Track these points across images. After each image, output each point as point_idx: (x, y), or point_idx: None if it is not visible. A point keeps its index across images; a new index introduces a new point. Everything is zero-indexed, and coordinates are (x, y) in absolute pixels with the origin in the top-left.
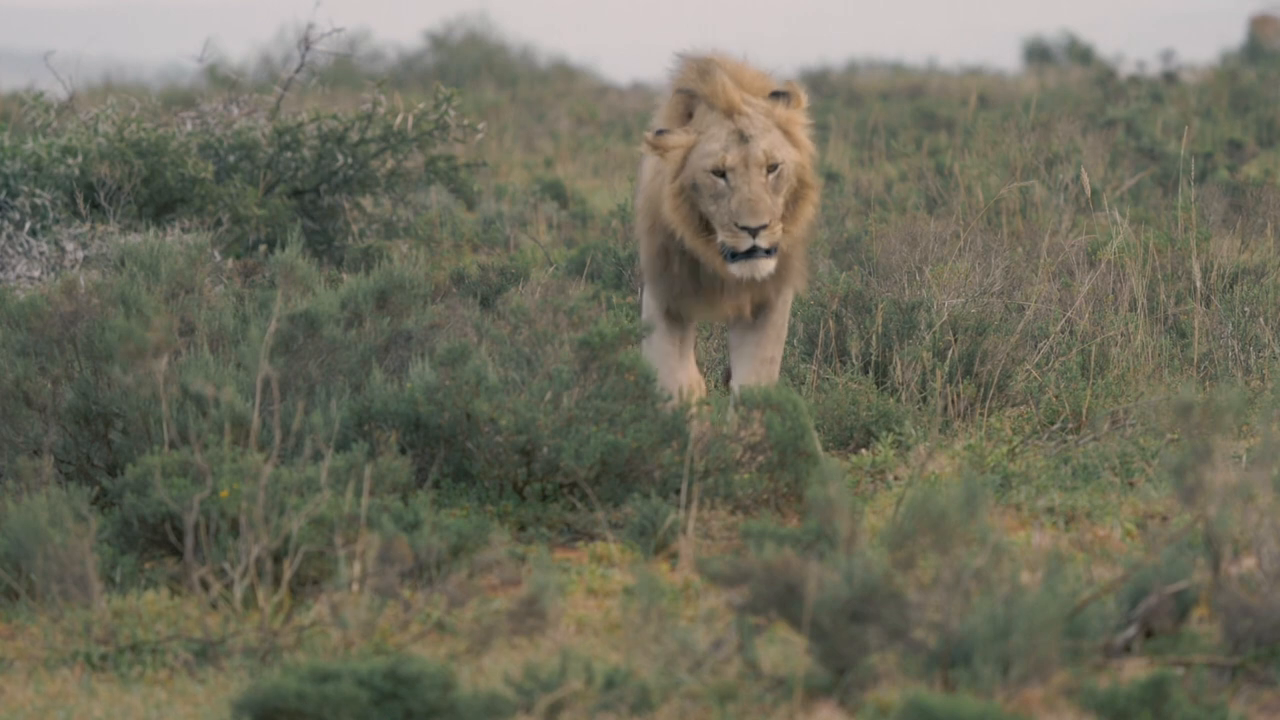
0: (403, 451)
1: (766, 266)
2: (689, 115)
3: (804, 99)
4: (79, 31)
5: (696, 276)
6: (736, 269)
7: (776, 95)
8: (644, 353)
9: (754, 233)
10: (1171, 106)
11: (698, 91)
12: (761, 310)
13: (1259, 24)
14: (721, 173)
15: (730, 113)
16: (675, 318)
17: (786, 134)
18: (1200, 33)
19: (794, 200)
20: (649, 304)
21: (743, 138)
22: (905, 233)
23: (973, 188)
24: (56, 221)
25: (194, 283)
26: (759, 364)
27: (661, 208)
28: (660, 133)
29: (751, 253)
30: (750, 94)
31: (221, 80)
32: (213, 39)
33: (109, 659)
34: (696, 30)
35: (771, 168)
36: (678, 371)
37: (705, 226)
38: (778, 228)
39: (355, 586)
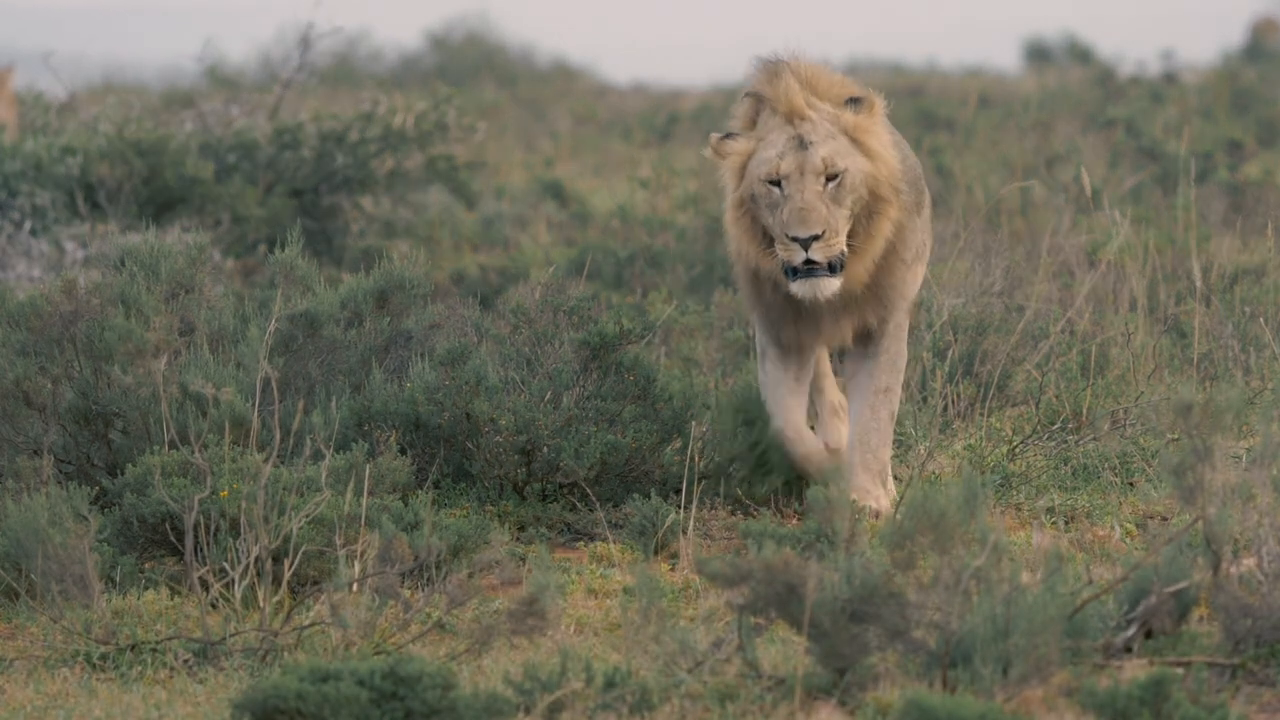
0: (403, 451)
1: (830, 286)
2: (755, 122)
3: (880, 106)
4: (79, 31)
5: (790, 300)
6: (797, 288)
7: (852, 102)
8: (759, 381)
9: (805, 245)
10: (1171, 106)
11: (764, 95)
12: (869, 338)
13: (1261, 27)
14: (777, 181)
15: (791, 117)
16: (788, 346)
17: (856, 142)
18: (1200, 33)
19: (867, 216)
20: (758, 331)
21: (802, 144)
22: None
23: (973, 188)
24: (56, 221)
25: (194, 283)
26: (873, 395)
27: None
28: (726, 137)
29: (811, 270)
30: (824, 100)
31: (221, 80)
32: (213, 39)
33: (109, 659)
34: (697, 30)
35: (832, 177)
36: (787, 400)
37: (769, 241)
38: (836, 241)
39: (355, 586)
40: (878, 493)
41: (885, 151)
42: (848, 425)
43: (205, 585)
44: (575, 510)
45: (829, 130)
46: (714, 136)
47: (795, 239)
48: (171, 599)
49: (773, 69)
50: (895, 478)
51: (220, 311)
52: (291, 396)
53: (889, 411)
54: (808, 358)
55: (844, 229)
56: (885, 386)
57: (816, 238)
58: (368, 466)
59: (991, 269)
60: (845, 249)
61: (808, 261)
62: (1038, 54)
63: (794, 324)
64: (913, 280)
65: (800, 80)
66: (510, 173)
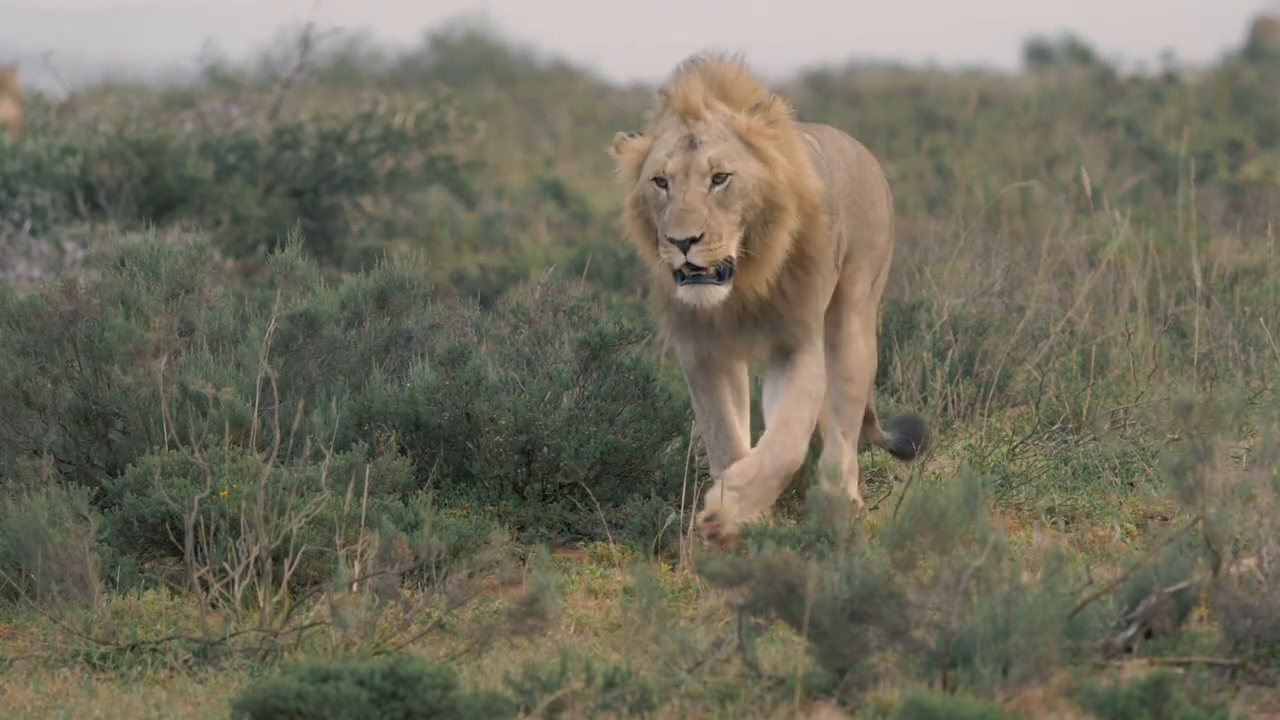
0: (403, 451)
1: (715, 294)
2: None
3: (781, 109)
4: (79, 31)
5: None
6: (683, 293)
7: (757, 108)
8: (695, 410)
9: (683, 247)
10: (1171, 106)
11: (667, 93)
12: (786, 356)
13: (1260, 26)
14: (664, 181)
15: (686, 116)
16: (705, 360)
17: (750, 146)
18: (1200, 33)
19: (763, 224)
20: (680, 351)
21: (691, 143)
22: (905, 233)
23: (973, 188)
24: (56, 221)
25: (194, 283)
26: (795, 394)
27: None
28: (628, 135)
29: (697, 276)
30: (735, 103)
31: (221, 80)
32: (213, 39)
33: (109, 659)
34: (696, 30)
35: (718, 179)
36: (737, 430)
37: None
38: (719, 246)
39: (355, 586)
40: (732, 517)
41: (782, 157)
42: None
43: (205, 585)
44: (575, 510)
45: (721, 131)
46: (618, 135)
47: (673, 240)
48: (171, 599)
49: (685, 66)
50: (895, 477)
51: (220, 311)
52: (291, 396)
53: (790, 446)
54: (738, 376)
55: (731, 235)
56: (786, 419)
57: (694, 240)
58: (368, 466)
59: (991, 269)
60: (733, 256)
61: (691, 266)
62: (1038, 54)
63: (717, 341)
64: (865, 289)
65: (709, 80)
66: (510, 173)
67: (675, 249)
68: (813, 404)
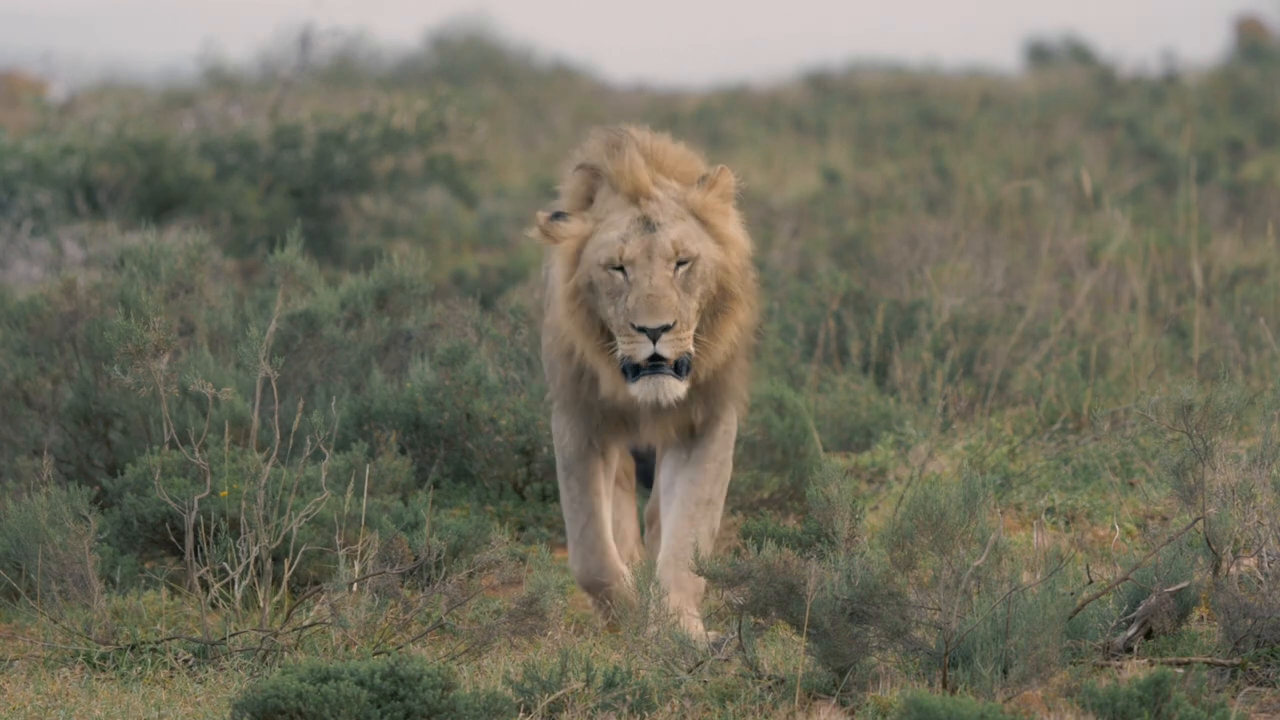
0: (403, 451)
1: (675, 389)
2: (591, 199)
3: (730, 184)
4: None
5: (618, 403)
6: (639, 389)
7: (704, 181)
8: (562, 497)
9: (654, 336)
10: (1172, 106)
11: (602, 170)
12: (692, 441)
13: (1246, 26)
14: (620, 267)
15: (636, 196)
16: (593, 448)
17: (705, 224)
18: (1201, 33)
19: (712, 314)
20: (565, 437)
21: (649, 225)
22: (905, 233)
23: (973, 188)
24: (56, 221)
25: (194, 283)
26: (694, 507)
27: (557, 313)
28: (556, 216)
29: (657, 368)
30: (671, 177)
31: (221, 80)
32: (213, 39)
33: (109, 659)
34: (697, 30)
35: (682, 262)
36: (603, 533)
37: (608, 336)
38: (687, 335)
39: (355, 586)
40: (691, 614)
41: (738, 236)
42: (631, 543)
43: (205, 585)
44: None
45: (677, 210)
46: (541, 215)
47: (643, 329)
48: (171, 599)
49: (613, 140)
50: (895, 477)
51: (220, 311)
52: (291, 396)
53: (709, 528)
54: (613, 462)
55: (694, 324)
56: (708, 498)
57: (667, 328)
58: (368, 466)
59: (992, 269)
60: (692, 350)
61: (654, 358)
62: (1038, 54)
63: (614, 427)
64: (747, 380)
65: (645, 155)
66: (510, 173)
67: (643, 339)
68: (713, 510)
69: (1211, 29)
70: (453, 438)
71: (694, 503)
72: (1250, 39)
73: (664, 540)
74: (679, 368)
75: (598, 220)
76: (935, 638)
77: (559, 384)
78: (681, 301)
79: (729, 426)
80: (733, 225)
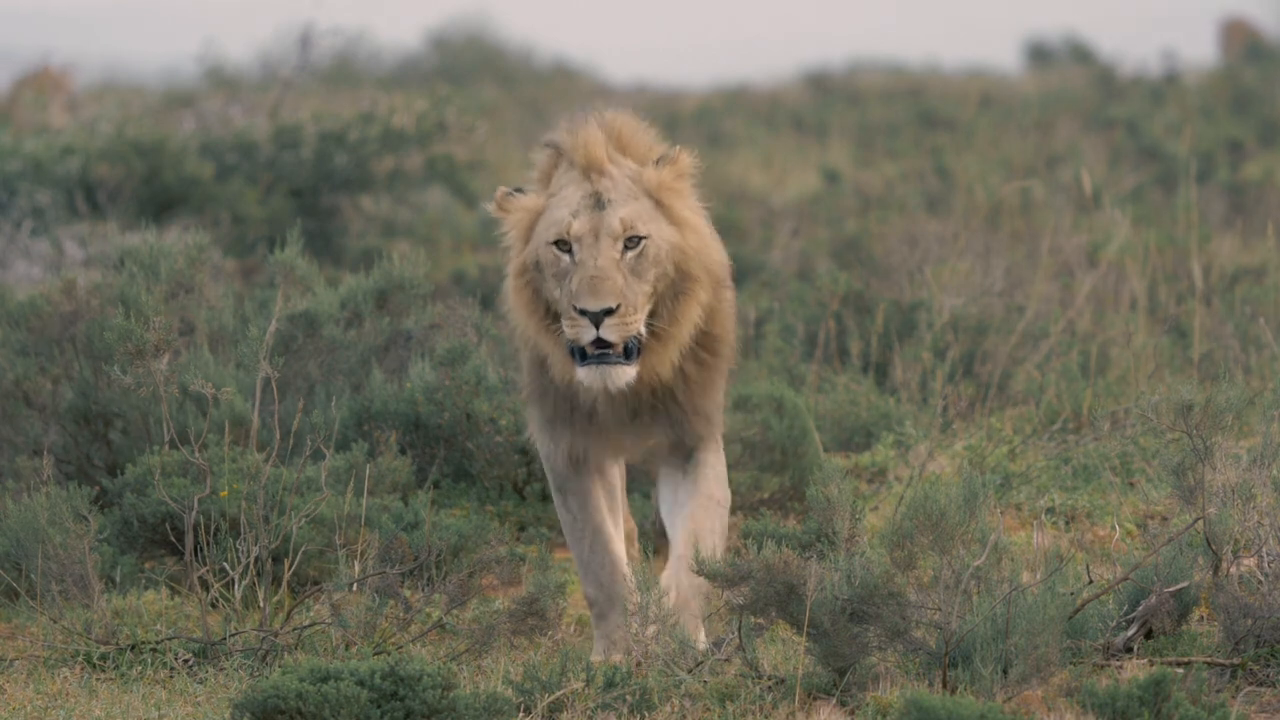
0: (403, 451)
1: (623, 375)
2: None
3: (688, 165)
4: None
5: (576, 395)
6: (584, 374)
7: (661, 161)
8: (561, 519)
9: (596, 320)
10: (1172, 106)
11: (561, 145)
12: (684, 453)
13: (1232, 28)
14: (567, 245)
15: (589, 171)
16: (577, 460)
17: (661, 205)
18: (1201, 33)
19: (672, 296)
20: (549, 450)
21: (599, 202)
22: (905, 233)
23: (973, 188)
24: (56, 221)
25: (194, 283)
26: (703, 502)
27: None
28: (515, 191)
29: (603, 356)
30: (634, 157)
31: (221, 80)
32: (213, 39)
33: (109, 659)
34: (696, 30)
35: (632, 242)
36: (615, 545)
37: (554, 317)
38: (634, 320)
39: (355, 586)
40: (699, 637)
41: (695, 219)
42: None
43: (205, 585)
44: None
45: (631, 189)
46: (500, 190)
47: (585, 312)
48: (171, 599)
49: (579, 119)
50: (895, 477)
51: (220, 311)
52: (291, 396)
53: (723, 527)
54: (611, 477)
55: (644, 307)
56: (717, 497)
57: (610, 312)
58: (368, 466)
59: (992, 269)
60: (644, 332)
61: (599, 342)
62: (1038, 54)
63: (581, 428)
64: (724, 383)
65: (608, 133)
66: (510, 173)
67: (585, 322)
68: (721, 510)
69: (1211, 29)
70: (453, 438)
71: (702, 498)
72: (1238, 41)
73: (676, 547)
74: (628, 352)
75: (551, 195)
76: (935, 638)
77: (525, 374)
78: (628, 284)
79: (715, 437)
80: (689, 207)
